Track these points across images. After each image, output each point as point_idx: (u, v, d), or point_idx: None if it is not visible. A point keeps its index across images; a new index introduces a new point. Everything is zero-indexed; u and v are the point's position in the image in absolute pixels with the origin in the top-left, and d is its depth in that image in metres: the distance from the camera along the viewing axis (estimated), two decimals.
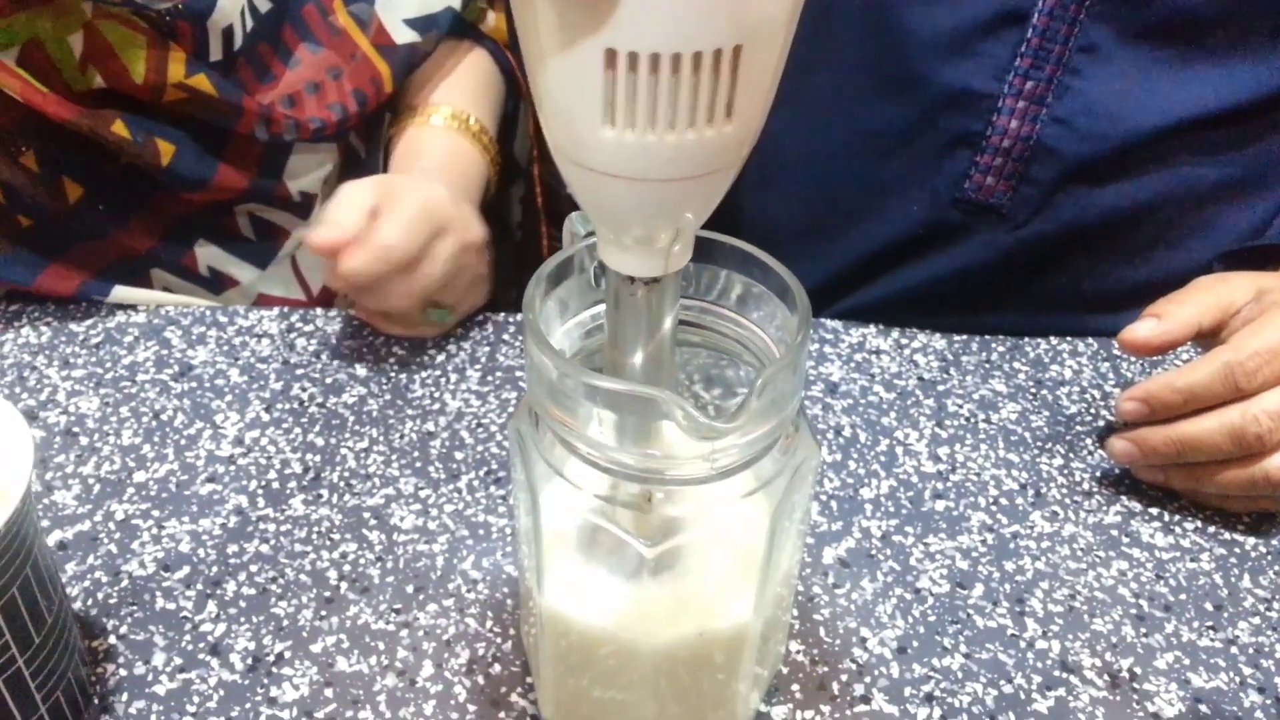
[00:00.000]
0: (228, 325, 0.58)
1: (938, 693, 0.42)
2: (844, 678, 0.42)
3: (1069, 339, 0.60)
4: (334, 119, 0.62)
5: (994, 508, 0.50)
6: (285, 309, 0.60)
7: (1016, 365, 0.58)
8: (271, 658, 0.42)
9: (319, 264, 0.67)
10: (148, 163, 0.56)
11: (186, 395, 0.54)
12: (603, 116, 0.26)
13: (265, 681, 0.41)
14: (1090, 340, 0.60)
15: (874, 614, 0.45)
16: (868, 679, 0.42)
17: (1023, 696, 0.42)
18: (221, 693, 0.41)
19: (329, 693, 0.41)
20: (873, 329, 0.60)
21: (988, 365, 0.58)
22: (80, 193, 0.56)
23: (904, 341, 0.59)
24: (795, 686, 0.42)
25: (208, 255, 0.61)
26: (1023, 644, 0.44)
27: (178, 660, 0.42)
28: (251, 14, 0.58)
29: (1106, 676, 0.43)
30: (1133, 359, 0.58)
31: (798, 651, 0.43)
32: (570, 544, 0.36)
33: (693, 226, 0.30)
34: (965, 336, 0.59)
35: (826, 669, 0.42)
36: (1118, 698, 0.42)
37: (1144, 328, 0.48)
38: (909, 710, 0.41)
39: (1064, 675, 0.43)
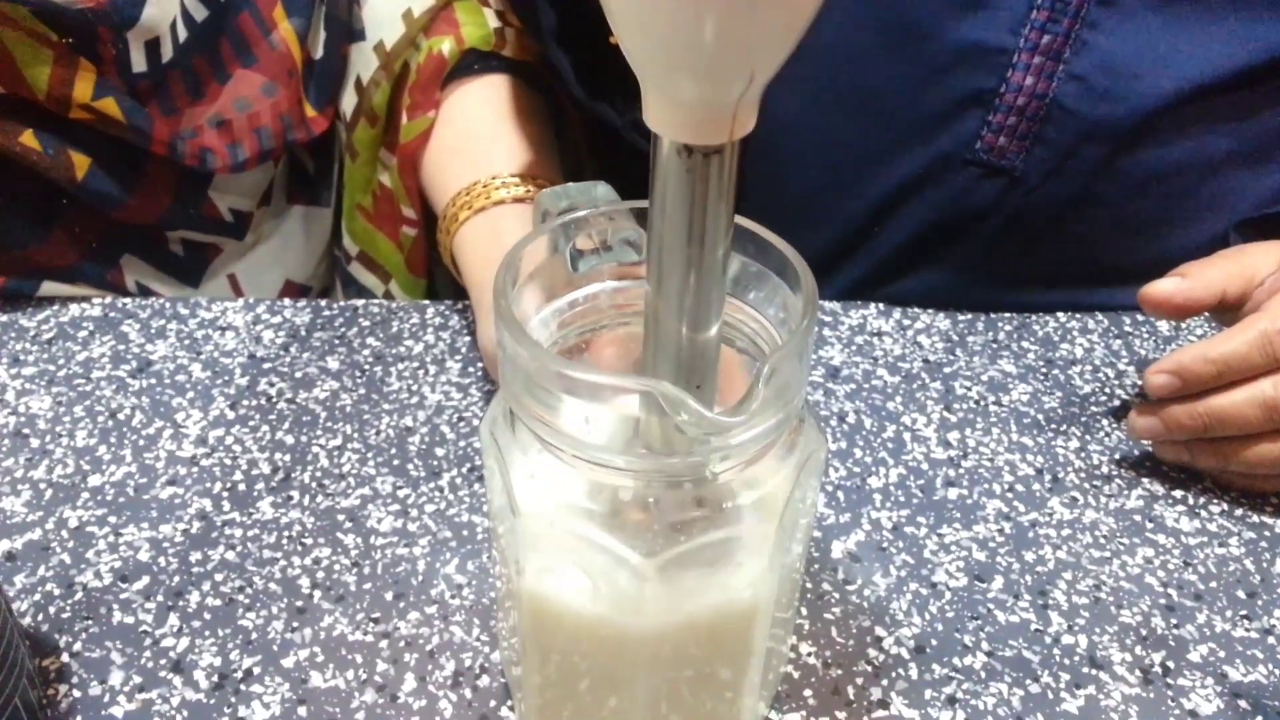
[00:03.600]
0: (189, 318, 0.55)
1: (960, 695, 0.39)
2: (859, 681, 0.39)
3: (1078, 315, 0.57)
4: (257, 149, 0.56)
5: (1010, 494, 0.47)
6: (251, 299, 0.56)
7: (1025, 344, 0.55)
8: (239, 674, 0.39)
9: (262, 278, 0.63)
10: (61, 176, 0.52)
11: (145, 393, 0.50)
12: None
13: (233, 700, 0.38)
14: (1100, 316, 0.57)
15: (889, 611, 0.42)
16: (884, 682, 0.39)
17: (1050, 696, 0.39)
18: (185, 713, 0.37)
19: (302, 711, 0.38)
20: (873, 310, 0.57)
21: (995, 345, 0.55)
22: None
23: (906, 322, 0.56)
24: (808, 692, 0.39)
25: (135, 272, 0.57)
26: (1048, 639, 0.41)
27: (137, 679, 0.39)
28: (186, 24, 0.53)
29: (1138, 672, 0.40)
30: (1146, 335, 0.56)
31: (809, 654, 0.40)
32: (555, 551, 0.33)
33: (761, 76, 0.25)
34: (970, 315, 0.56)
35: (840, 672, 0.40)
36: (1151, 695, 0.39)
37: (1167, 283, 0.45)
38: (930, 714, 0.38)
39: (1093, 672, 0.40)
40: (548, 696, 0.35)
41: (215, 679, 0.39)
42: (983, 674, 0.40)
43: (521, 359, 0.28)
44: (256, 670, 0.39)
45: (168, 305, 0.55)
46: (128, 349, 0.53)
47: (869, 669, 0.40)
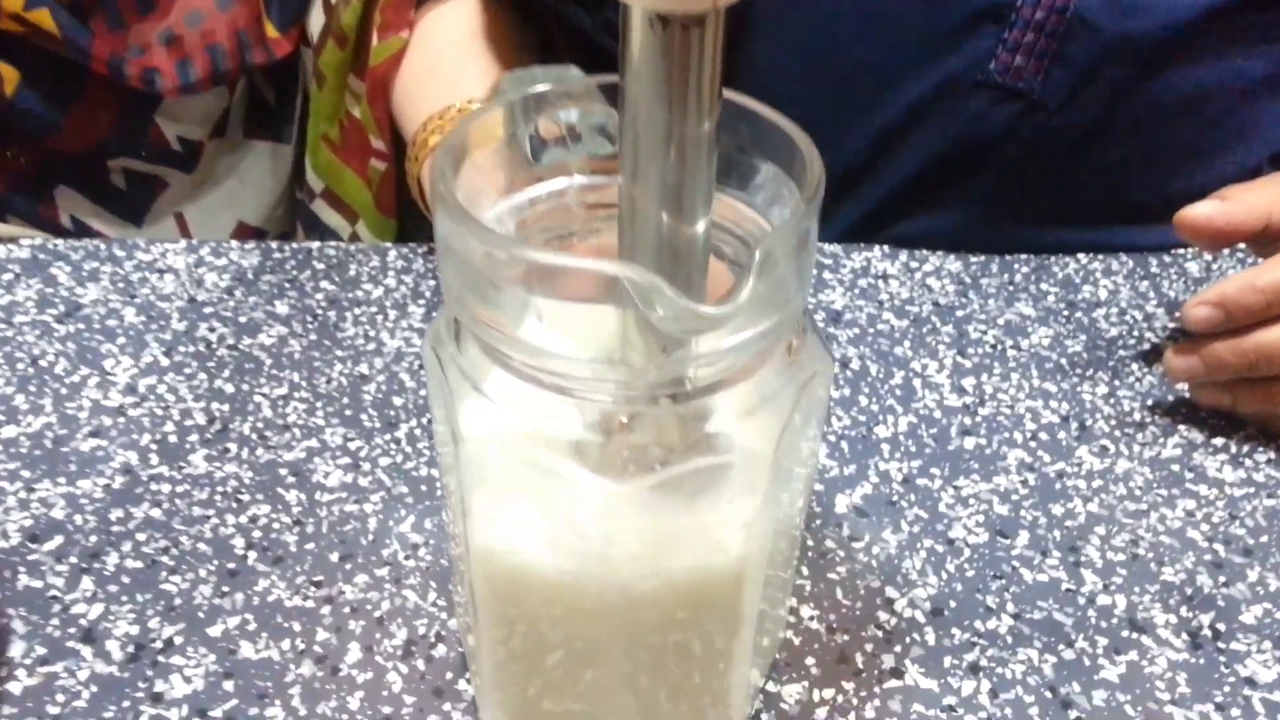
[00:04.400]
0: (125, 260, 0.50)
1: (984, 662, 0.34)
2: (869, 647, 0.34)
3: (1101, 256, 0.52)
4: (210, 70, 0.51)
5: (1033, 444, 0.42)
6: (195, 241, 0.51)
7: (1044, 286, 0.50)
8: (159, 644, 0.34)
9: (214, 220, 0.58)
10: None
11: (72, 338, 0.45)
12: None
13: (149, 673, 0.33)
14: (1124, 258, 0.52)
15: (900, 570, 0.37)
16: (898, 648, 0.34)
17: (1088, 663, 0.34)
18: (94, 688, 0.33)
19: (229, 685, 0.33)
20: (877, 252, 0.52)
21: (1011, 287, 0.50)
22: None
23: (914, 265, 0.51)
24: (810, 660, 0.34)
25: (71, 205, 0.52)
26: (1081, 600, 0.36)
27: (41, 650, 0.34)
28: None
29: (1185, 635, 0.35)
30: (1174, 277, 0.51)
31: (811, 618, 0.35)
32: (509, 488, 0.27)
33: None
34: (984, 257, 0.52)
35: (847, 637, 0.35)
36: (1202, 660, 0.34)
37: (1206, 205, 0.40)
38: (950, 684, 0.33)
39: (1134, 636, 0.35)
40: (511, 670, 0.30)
41: (130, 650, 0.34)
42: (1009, 639, 0.35)
43: (464, 248, 0.23)
44: (178, 640, 0.34)
45: (102, 247, 0.50)
46: (56, 292, 0.48)
47: (879, 634, 0.35)
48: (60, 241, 0.51)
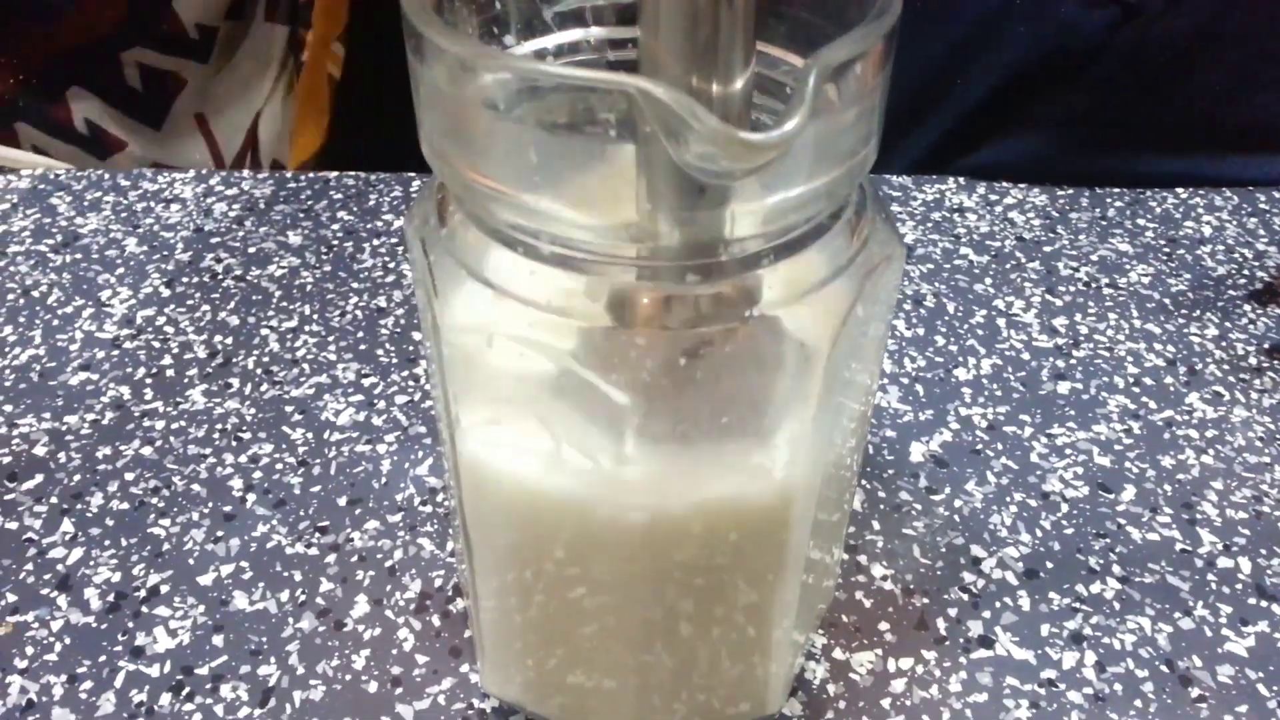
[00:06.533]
0: (129, 190, 0.46)
1: (1089, 631, 0.29)
2: (953, 612, 0.30)
3: (1203, 191, 0.47)
4: None
5: (1136, 389, 0.37)
6: (205, 170, 0.47)
7: (1141, 222, 0.45)
8: (142, 593, 0.30)
9: (233, 116, 0.54)
10: None
11: (67, 269, 0.42)
12: None
13: (129, 625, 0.29)
14: (1229, 193, 0.47)
15: (987, 526, 0.32)
16: (986, 614, 0.30)
17: (1210, 634, 0.29)
18: (67, 639, 0.29)
19: (218, 639, 0.29)
20: (952, 184, 0.47)
21: (1104, 222, 0.45)
22: None
23: (994, 198, 0.46)
24: (884, 625, 0.29)
25: (85, 108, 0.48)
26: (1199, 563, 0.31)
27: (11, 597, 0.30)
28: None
29: None
30: None
31: (884, 578, 0.31)
32: (500, 394, 0.22)
33: None
34: (1072, 190, 0.46)
35: (927, 600, 0.30)
36: None
37: None
38: (1049, 655, 0.29)
39: (1263, 604, 0.30)
40: (511, 627, 0.25)
41: (110, 599, 0.30)
42: (1116, 605, 0.30)
43: (440, 73, 0.18)
44: (164, 589, 0.30)
45: (106, 177, 0.46)
46: (54, 222, 0.44)
47: (964, 598, 0.30)
48: (62, 170, 0.47)
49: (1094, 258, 0.43)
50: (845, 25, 0.20)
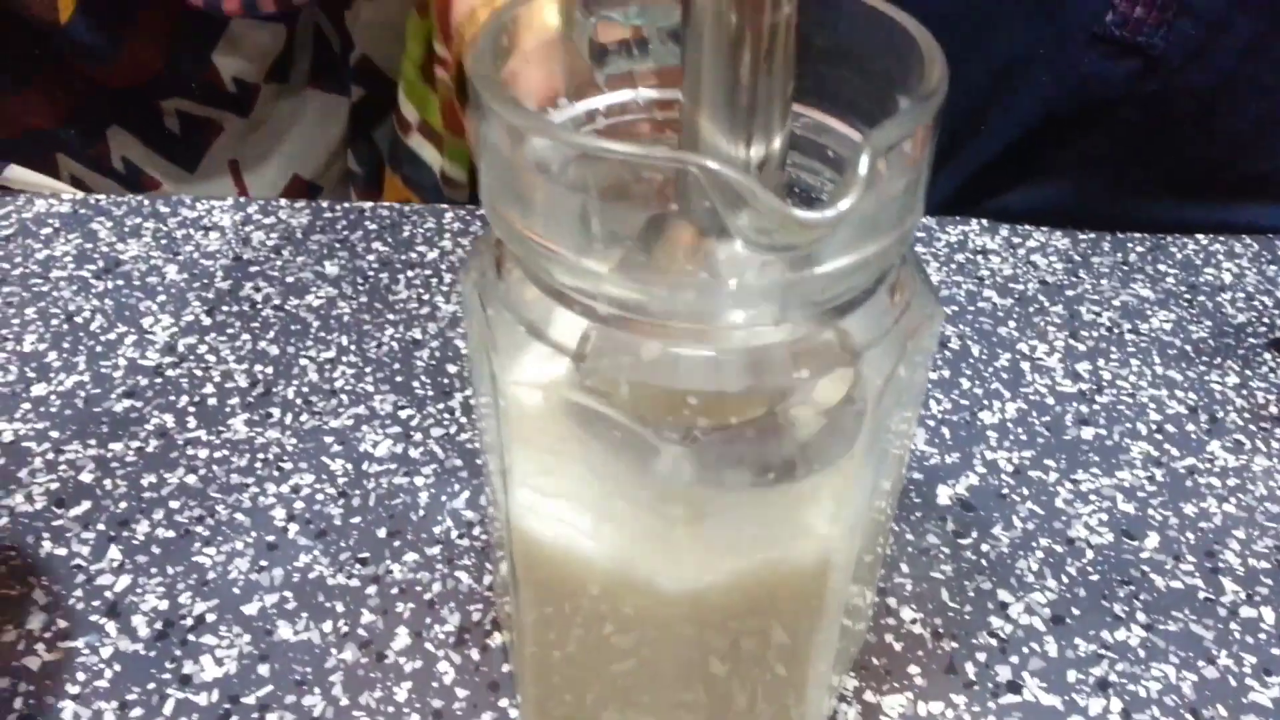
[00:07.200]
0: (169, 216, 0.47)
1: (1114, 677, 0.30)
2: (981, 657, 0.30)
3: (1222, 238, 0.47)
4: None
5: (1159, 436, 0.37)
6: (243, 199, 0.48)
7: (1162, 268, 0.46)
8: (189, 621, 0.31)
9: (268, 170, 0.55)
10: (42, 17, 0.44)
11: (110, 295, 0.42)
12: None
13: (177, 653, 0.30)
14: (1248, 239, 0.47)
15: (1014, 571, 0.33)
16: (1014, 659, 0.30)
17: (1234, 684, 0.30)
18: (117, 667, 0.29)
19: (263, 669, 0.29)
20: (975, 225, 0.47)
21: (1126, 267, 0.45)
22: None
23: (1016, 240, 0.47)
24: (914, 669, 0.30)
25: (123, 147, 0.49)
26: (1222, 611, 0.32)
27: (62, 623, 0.31)
28: None
29: None
30: None
31: (913, 621, 0.31)
32: (553, 445, 0.23)
33: None
34: (1094, 234, 0.47)
35: (956, 644, 0.31)
36: None
37: None
38: (1076, 701, 0.29)
39: None
40: (552, 663, 0.26)
41: (158, 626, 0.30)
42: (1141, 652, 0.31)
43: (502, 138, 0.19)
44: (210, 617, 0.31)
45: (146, 203, 0.47)
46: (95, 248, 0.45)
47: (992, 642, 0.31)
48: (102, 197, 0.48)
49: (1116, 303, 0.43)
50: (868, 77, 0.21)
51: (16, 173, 0.47)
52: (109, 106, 0.48)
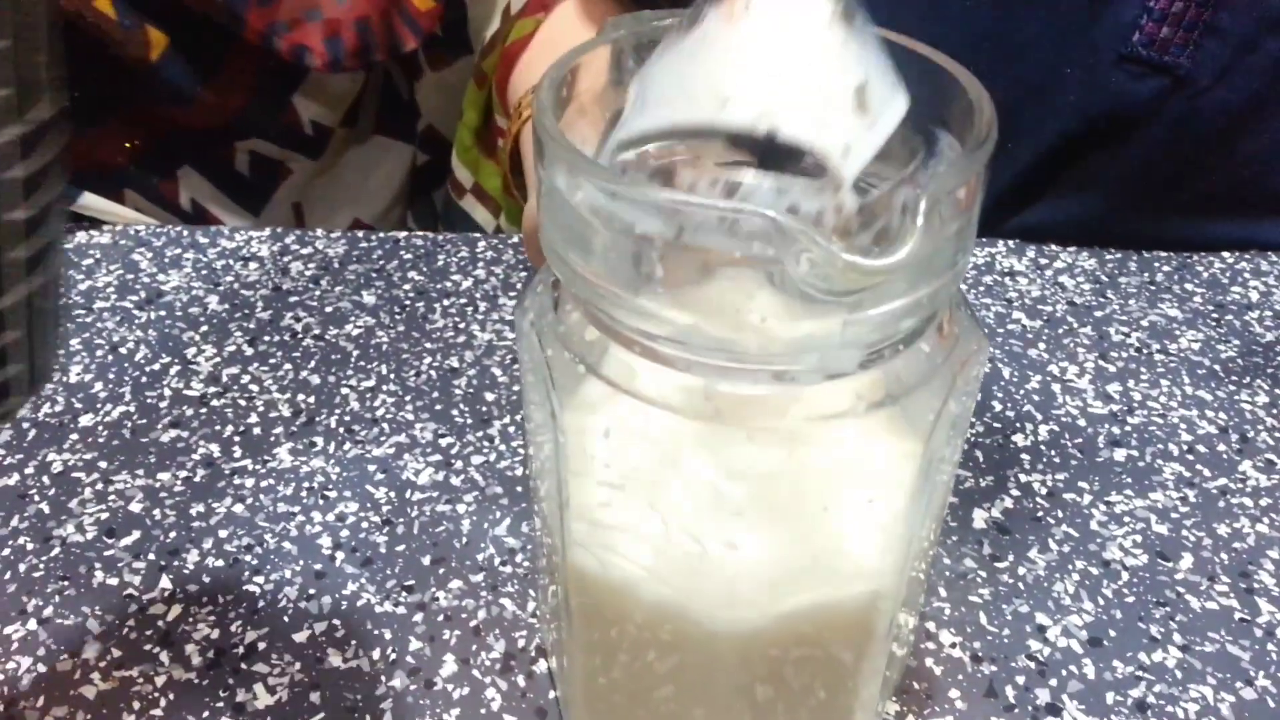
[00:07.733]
0: (208, 248, 0.48)
1: (1152, 699, 0.30)
2: (1020, 680, 0.31)
3: (1249, 256, 0.48)
4: (357, 44, 0.49)
5: (1190, 456, 0.38)
6: (280, 229, 0.49)
7: (1189, 286, 0.46)
8: (240, 650, 0.31)
9: (330, 213, 0.56)
10: (133, 55, 0.45)
11: (153, 325, 0.43)
12: None
13: (230, 681, 0.30)
14: (1275, 257, 0.48)
15: (1051, 594, 0.33)
16: (1053, 681, 0.31)
17: (1272, 705, 0.30)
18: (171, 695, 0.30)
19: (315, 696, 0.30)
20: (1002, 247, 0.48)
21: (1153, 287, 0.46)
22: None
23: (1044, 261, 0.47)
24: (954, 693, 0.30)
25: (193, 187, 0.51)
26: (1258, 632, 0.32)
27: (117, 652, 0.31)
28: None
29: None
30: None
31: (952, 645, 0.32)
32: (612, 481, 0.24)
33: None
34: (1120, 254, 0.47)
35: (995, 668, 0.31)
36: None
37: None
38: None
39: None
40: (603, 687, 0.26)
41: (211, 655, 0.31)
42: (1178, 674, 0.31)
43: (566, 189, 0.20)
44: (262, 646, 0.31)
45: (185, 234, 0.48)
46: (137, 279, 0.46)
47: (1031, 665, 0.31)
48: (142, 227, 0.49)
49: (1144, 323, 0.44)
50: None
51: (90, 200, 0.49)
52: (183, 146, 0.49)
